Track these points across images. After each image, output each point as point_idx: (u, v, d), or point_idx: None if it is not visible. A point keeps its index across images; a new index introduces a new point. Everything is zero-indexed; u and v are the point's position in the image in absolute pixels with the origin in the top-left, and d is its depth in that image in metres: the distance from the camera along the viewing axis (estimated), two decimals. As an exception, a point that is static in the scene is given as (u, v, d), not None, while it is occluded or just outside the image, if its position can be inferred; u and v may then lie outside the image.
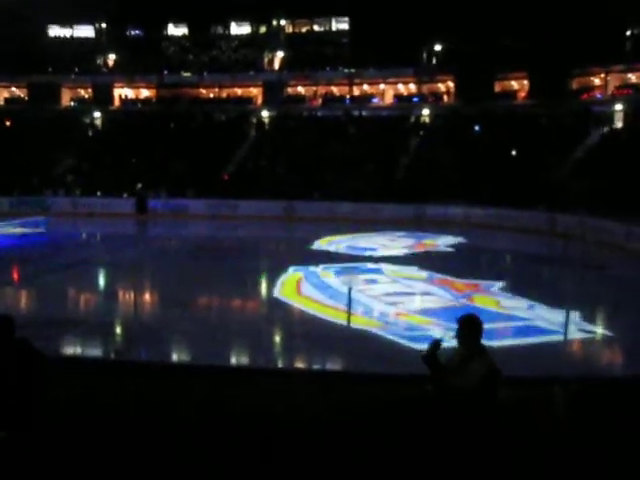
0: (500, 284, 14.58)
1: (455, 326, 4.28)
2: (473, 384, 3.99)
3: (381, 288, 14.55)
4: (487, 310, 11.85)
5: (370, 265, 17.54)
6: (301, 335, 10.92)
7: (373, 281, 15.32)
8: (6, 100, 44.27)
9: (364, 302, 12.69)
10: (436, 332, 9.65)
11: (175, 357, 9.87)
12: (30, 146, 38.06)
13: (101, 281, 17.35)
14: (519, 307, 12.41)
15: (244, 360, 9.96)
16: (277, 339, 11.18)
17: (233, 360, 9.77)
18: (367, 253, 20.14)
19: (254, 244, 24.68)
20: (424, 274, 16.01)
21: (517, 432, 4.94)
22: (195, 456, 4.62)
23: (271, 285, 15.35)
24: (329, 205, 30.99)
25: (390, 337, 10.19)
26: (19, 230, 26.99)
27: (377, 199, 30.42)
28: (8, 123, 41.47)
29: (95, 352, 10.16)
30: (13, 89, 44.56)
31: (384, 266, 17.23)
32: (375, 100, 42.21)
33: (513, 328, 11.09)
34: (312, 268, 16.72)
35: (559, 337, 9.65)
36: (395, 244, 22.51)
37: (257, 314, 12.90)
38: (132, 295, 12.88)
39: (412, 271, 16.54)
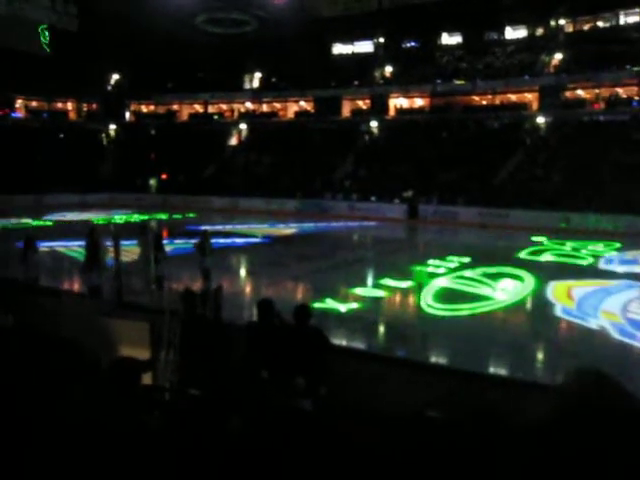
0: None
1: None
2: None
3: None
4: None
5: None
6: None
7: None
8: (296, 113, 49.61)
9: None
10: None
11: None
12: (314, 154, 42.31)
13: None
14: None
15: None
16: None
17: None
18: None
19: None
20: None
21: None
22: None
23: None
24: (610, 218, 28.59)
25: None
26: (289, 231, 30.07)
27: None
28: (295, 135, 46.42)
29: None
30: (302, 103, 49.69)
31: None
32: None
33: None
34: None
35: None
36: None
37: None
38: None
39: None
